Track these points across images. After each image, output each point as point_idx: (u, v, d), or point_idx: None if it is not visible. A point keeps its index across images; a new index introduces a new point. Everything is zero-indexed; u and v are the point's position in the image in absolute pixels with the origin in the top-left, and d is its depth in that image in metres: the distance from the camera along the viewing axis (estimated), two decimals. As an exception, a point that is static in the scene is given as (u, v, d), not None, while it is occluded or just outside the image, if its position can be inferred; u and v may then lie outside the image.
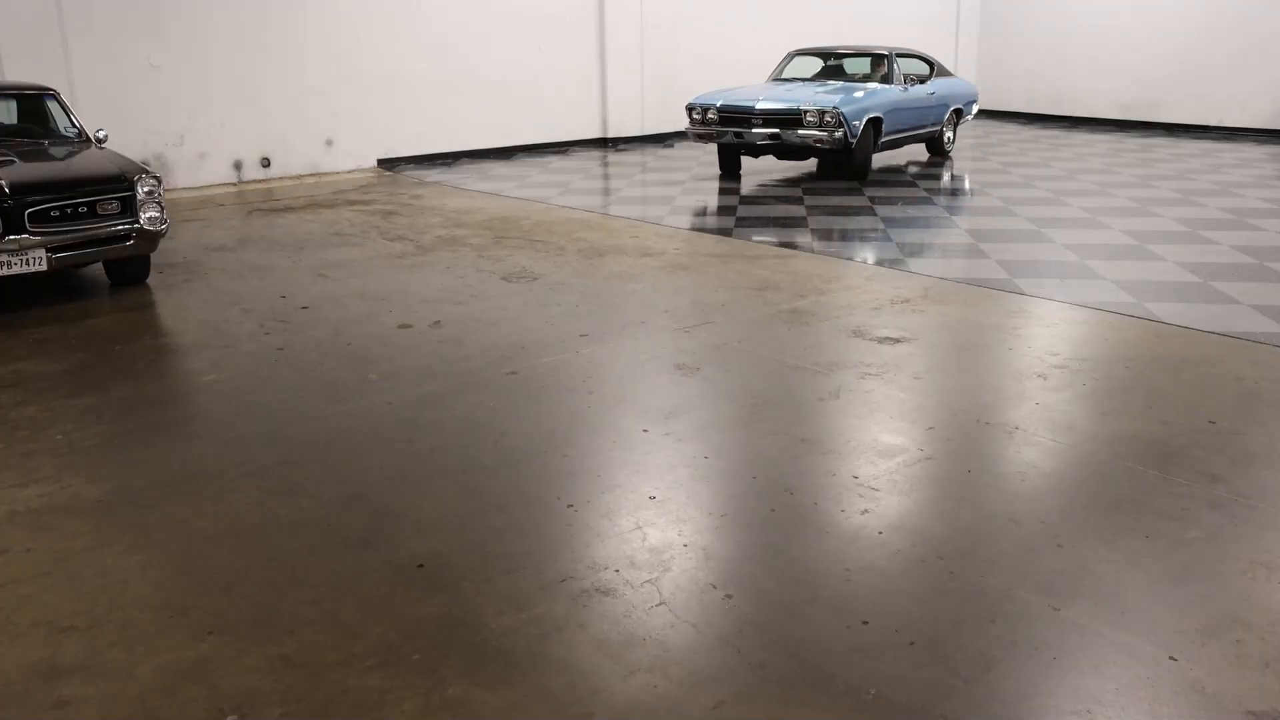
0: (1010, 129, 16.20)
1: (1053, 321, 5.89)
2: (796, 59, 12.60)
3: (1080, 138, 15.03)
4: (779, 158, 11.49)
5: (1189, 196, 9.91)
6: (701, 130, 11.15)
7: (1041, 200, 9.76)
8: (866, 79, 11.86)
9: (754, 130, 10.73)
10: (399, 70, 12.00)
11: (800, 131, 10.48)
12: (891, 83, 11.59)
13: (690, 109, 11.20)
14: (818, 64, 12.64)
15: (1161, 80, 15.91)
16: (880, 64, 11.99)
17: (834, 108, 10.33)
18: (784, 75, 12.37)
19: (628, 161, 12.77)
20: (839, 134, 10.37)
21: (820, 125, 10.36)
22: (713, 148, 12.34)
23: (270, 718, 2.56)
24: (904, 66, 12.01)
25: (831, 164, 11.44)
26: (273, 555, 3.34)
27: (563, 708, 2.59)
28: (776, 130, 10.58)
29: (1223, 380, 4.90)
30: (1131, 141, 14.49)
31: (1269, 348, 5.38)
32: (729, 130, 10.88)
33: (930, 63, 12.53)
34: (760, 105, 10.71)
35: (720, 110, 10.94)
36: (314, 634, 2.90)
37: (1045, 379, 4.92)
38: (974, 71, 18.35)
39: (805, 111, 10.42)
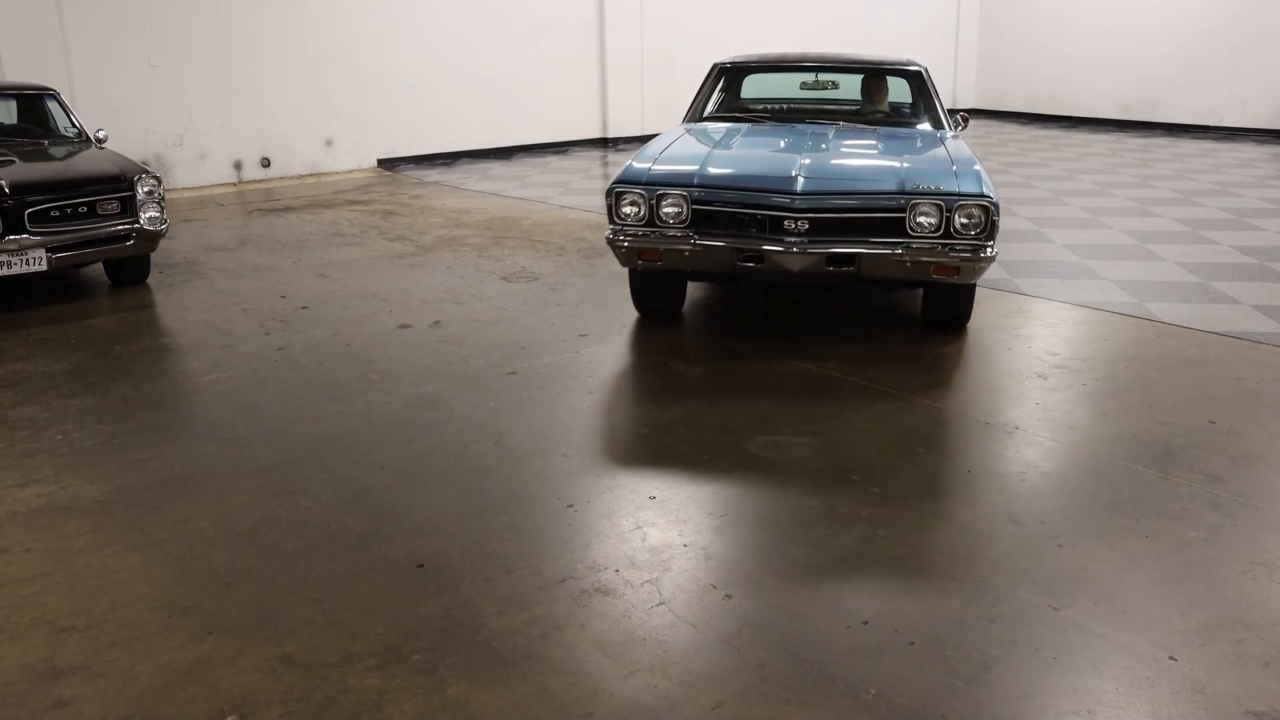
0: (1010, 129, 16.20)
1: (1053, 321, 5.89)
2: (748, 79, 7.06)
3: (1080, 138, 15.03)
4: (793, 292, 6.32)
5: (1189, 196, 9.91)
6: (652, 244, 5.17)
7: (1041, 200, 9.75)
8: (861, 114, 6.66)
9: (786, 243, 4.93)
10: (399, 70, 12.00)
11: (912, 251, 4.91)
12: (943, 127, 6.39)
13: (619, 194, 5.25)
14: (773, 84, 7.21)
15: (1161, 80, 15.90)
16: (882, 86, 6.76)
17: (981, 193, 4.95)
18: (718, 111, 6.77)
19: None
20: (988, 252, 4.94)
21: (947, 231, 4.91)
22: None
23: (270, 718, 2.56)
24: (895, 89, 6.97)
25: (928, 307, 5.66)
26: (273, 555, 3.34)
27: (563, 708, 2.59)
28: (850, 250, 4.93)
29: (1223, 380, 4.90)
30: (1131, 141, 14.49)
31: (1269, 348, 5.38)
32: (726, 244, 5.05)
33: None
34: (805, 185, 5.02)
35: (703, 195, 5.12)
36: (314, 634, 2.90)
37: (1045, 379, 4.92)
38: (974, 71, 18.36)
39: (916, 201, 4.92)
